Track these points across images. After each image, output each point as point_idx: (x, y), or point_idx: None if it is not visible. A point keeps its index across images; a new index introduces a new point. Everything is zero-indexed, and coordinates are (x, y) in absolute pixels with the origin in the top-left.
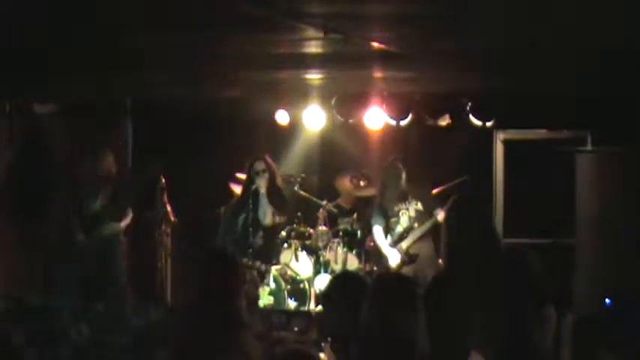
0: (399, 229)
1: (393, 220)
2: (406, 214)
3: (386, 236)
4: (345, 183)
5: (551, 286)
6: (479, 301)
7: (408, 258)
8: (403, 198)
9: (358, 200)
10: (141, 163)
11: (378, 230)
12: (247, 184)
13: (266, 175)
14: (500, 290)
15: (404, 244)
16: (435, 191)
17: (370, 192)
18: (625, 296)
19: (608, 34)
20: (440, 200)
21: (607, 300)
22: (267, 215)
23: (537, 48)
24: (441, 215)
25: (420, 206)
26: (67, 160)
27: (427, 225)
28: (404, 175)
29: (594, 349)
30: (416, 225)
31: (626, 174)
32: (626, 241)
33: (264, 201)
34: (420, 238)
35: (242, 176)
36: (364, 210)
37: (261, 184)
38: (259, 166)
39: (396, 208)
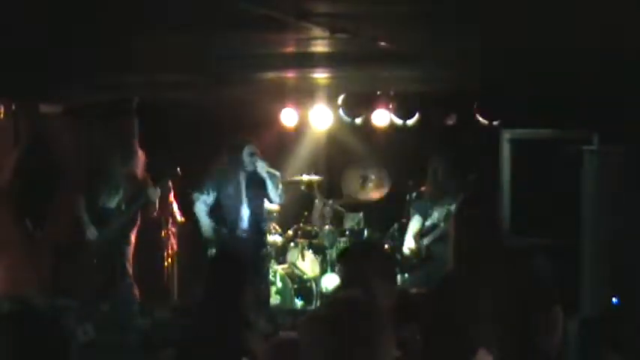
0: (429, 222)
1: (429, 213)
2: (438, 211)
3: (420, 230)
4: (351, 183)
5: (558, 287)
6: (486, 301)
7: (427, 255)
8: (439, 196)
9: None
10: (147, 163)
11: (415, 220)
12: (241, 167)
13: (258, 158)
14: (507, 290)
15: (426, 240)
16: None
17: (377, 195)
18: (631, 296)
19: (614, 34)
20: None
21: (614, 300)
22: (281, 196)
23: (544, 47)
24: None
25: (452, 207)
26: (76, 158)
27: (443, 225)
28: (440, 172)
29: (600, 349)
30: (442, 225)
31: (633, 173)
32: (632, 241)
33: (272, 181)
34: (441, 238)
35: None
36: (371, 208)
37: (263, 165)
38: (252, 148)
39: (432, 203)
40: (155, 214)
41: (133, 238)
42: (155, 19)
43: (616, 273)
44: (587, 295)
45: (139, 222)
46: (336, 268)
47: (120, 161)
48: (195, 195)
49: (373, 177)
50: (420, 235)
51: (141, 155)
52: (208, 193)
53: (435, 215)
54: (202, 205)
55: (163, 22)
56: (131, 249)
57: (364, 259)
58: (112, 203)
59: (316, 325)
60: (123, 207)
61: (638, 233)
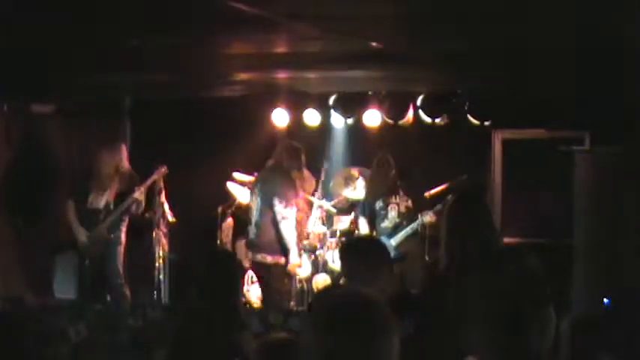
0: (386, 223)
1: (381, 214)
2: (395, 209)
3: (371, 230)
4: (340, 183)
5: (550, 287)
6: (477, 301)
7: (397, 255)
8: (392, 192)
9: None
10: (139, 163)
11: (362, 222)
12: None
13: None
14: (499, 290)
15: (393, 241)
16: (433, 191)
17: (365, 194)
18: (623, 296)
19: (606, 35)
20: (432, 200)
21: (605, 300)
22: None
23: (535, 48)
24: (429, 216)
25: (410, 204)
26: (68, 158)
27: (416, 224)
28: (393, 170)
29: (593, 350)
30: (404, 223)
31: (624, 174)
32: (624, 241)
33: None
34: (409, 237)
35: (241, 176)
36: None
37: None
38: None
39: (384, 203)
40: (147, 214)
41: (123, 238)
42: (150, 19)
43: (608, 273)
44: (579, 296)
45: (128, 222)
46: (339, 265)
47: (109, 161)
48: (287, 212)
49: (363, 177)
50: (382, 237)
51: (125, 154)
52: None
53: (392, 214)
54: (293, 221)
55: (156, 22)
56: (122, 249)
57: (367, 255)
58: (101, 203)
59: (317, 320)
60: (111, 207)
61: (630, 233)
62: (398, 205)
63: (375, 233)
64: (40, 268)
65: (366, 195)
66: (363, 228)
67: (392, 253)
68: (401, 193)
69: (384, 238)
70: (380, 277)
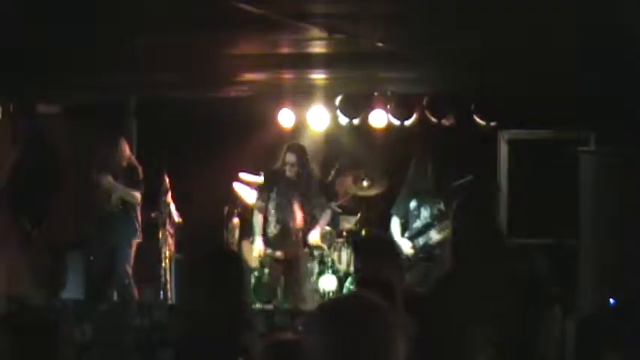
0: (418, 223)
1: (414, 214)
2: (428, 210)
3: (403, 230)
4: (347, 183)
5: (555, 287)
6: (483, 301)
7: (426, 254)
8: (428, 194)
9: (361, 200)
10: (145, 164)
11: (395, 222)
12: None
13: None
14: (505, 290)
15: (421, 240)
16: (460, 181)
17: (374, 192)
18: (628, 296)
19: (612, 35)
20: (458, 191)
21: (611, 300)
22: None
23: (541, 48)
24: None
25: (442, 206)
26: (74, 159)
27: (444, 224)
28: (430, 172)
29: (598, 349)
30: (435, 223)
31: (630, 174)
32: (629, 241)
33: None
34: (438, 237)
35: (248, 177)
36: (369, 209)
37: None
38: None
39: (418, 203)
40: (153, 215)
41: (133, 239)
42: (153, 19)
43: (614, 273)
44: (585, 295)
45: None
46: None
47: (116, 161)
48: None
49: (369, 177)
50: (413, 236)
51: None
52: None
53: (424, 214)
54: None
55: (161, 22)
56: (131, 250)
57: (379, 253)
58: (109, 203)
59: (322, 322)
60: (120, 206)
61: (636, 233)
62: (431, 206)
63: (406, 233)
64: (47, 267)
65: (403, 195)
66: (395, 227)
67: (420, 252)
68: (435, 194)
69: (404, 240)
70: (391, 274)
